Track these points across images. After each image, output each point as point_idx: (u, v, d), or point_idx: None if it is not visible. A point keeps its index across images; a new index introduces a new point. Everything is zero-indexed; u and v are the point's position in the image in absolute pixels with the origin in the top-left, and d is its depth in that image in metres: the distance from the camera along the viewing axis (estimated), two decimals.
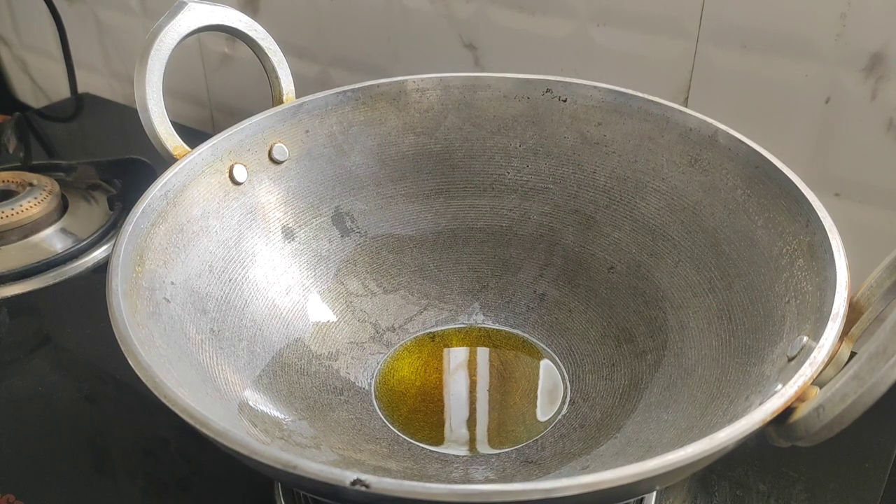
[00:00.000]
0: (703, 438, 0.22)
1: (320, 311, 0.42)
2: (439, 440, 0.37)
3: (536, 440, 0.37)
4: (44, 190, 0.58)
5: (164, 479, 0.39)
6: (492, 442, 0.37)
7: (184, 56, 0.73)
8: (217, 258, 0.38)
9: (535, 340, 0.42)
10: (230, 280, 0.38)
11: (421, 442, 0.37)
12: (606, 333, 0.41)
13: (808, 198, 0.32)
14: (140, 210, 0.34)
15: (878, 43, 0.42)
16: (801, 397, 0.24)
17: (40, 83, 0.96)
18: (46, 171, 0.63)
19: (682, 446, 0.22)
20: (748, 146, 0.36)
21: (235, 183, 0.40)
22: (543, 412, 0.38)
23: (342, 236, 0.44)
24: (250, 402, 0.34)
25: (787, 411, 0.24)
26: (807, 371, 0.25)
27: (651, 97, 0.41)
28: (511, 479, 0.35)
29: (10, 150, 0.70)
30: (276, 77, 0.43)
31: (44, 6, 0.81)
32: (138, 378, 0.26)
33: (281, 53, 0.43)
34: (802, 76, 0.45)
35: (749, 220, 0.36)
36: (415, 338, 0.43)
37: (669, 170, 0.40)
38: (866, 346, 0.22)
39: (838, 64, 0.43)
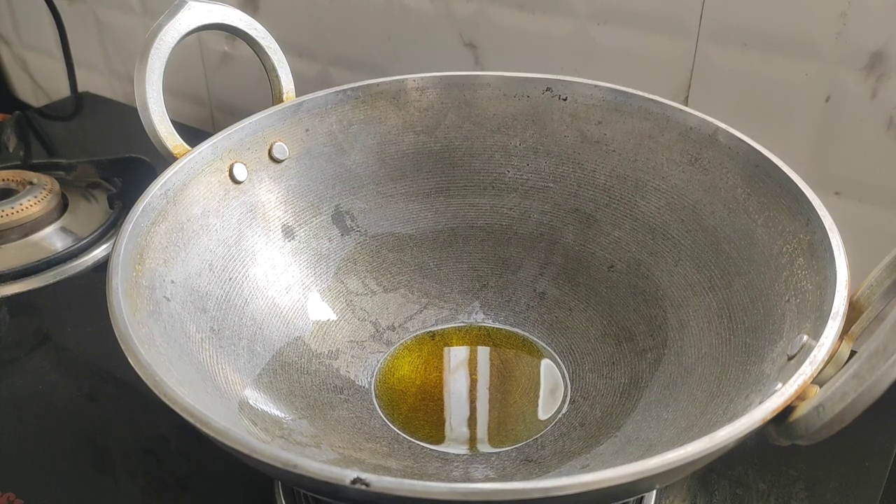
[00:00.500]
0: (703, 437, 0.22)
1: (320, 309, 0.42)
2: (439, 439, 0.37)
3: (536, 439, 0.37)
4: (44, 189, 0.58)
5: (165, 478, 0.39)
6: (492, 441, 0.37)
7: (184, 55, 0.73)
8: (217, 257, 0.38)
9: (535, 339, 0.42)
10: (230, 279, 0.38)
11: (421, 441, 0.37)
12: (606, 332, 0.41)
13: (809, 196, 0.32)
14: (140, 209, 0.34)
15: (879, 42, 0.42)
16: (801, 396, 0.24)
17: (40, 82, 0.96)
18: (46, 169, 0.63)
19: (682, 445, 0.22)
20: (748, 145, 0.36)
21: (235, 182, 0.40)
22: (543, 411, 0.38)
23: (342, 235, 0.44)
24: (250, 401, 0.34)
25: (787, 410, 0.24)
26: (807, 370, 0.25)
27: (651, 96, 0.41)
28: (511, 478, 0.35)
29: (11, 149, 0.70)
30: (276, 76, 0.43)
31: (44, 5, 0.81)
32: (138, 377, 0.26)
33: (281, 52, 0.43)
34: (802, 75, 0.45)
35: (749, 219, 0.36)
36: (415, 336, 0.43)
37: (669, 168, 0.40)
38: (866, 345, 0.22)
39: (838, 63, 0.43)
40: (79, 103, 0.84)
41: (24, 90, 0.99)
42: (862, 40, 0.42)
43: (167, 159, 0.38)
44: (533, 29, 0.54)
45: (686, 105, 0.41)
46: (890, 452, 0.39)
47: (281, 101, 0.43)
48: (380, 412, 0.38)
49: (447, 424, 0.38)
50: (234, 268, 0.39)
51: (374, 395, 0.39)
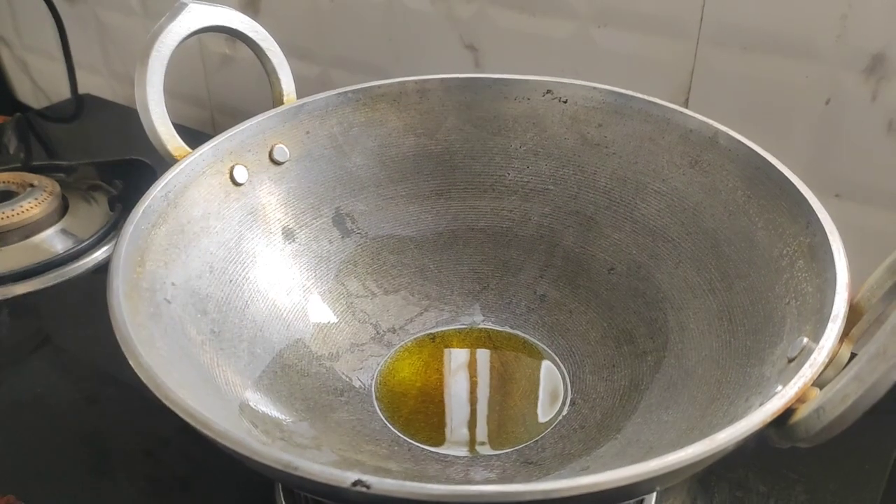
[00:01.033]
0: (703, 439, 0.22)
1: (321, 312, 0.42)
2: (440, 441, 0.37)
3: (537, 441, 0.37)
4: (44, 191, 0.58)
5: (165, 480, 0.39)
6: (492, 443, 0.37)
7: (184, 57, 0.73)
8: (218, 259, 0.38)
9: (535, 341, 0.42)
10: (231, 281, 0.38)
11: (421, 443, 0.37)
12: (607, 334, 0.41)
13: (809, 199, 0.32)
14: (141, 211, 0.34)
15: (879, 44, 0.42)
16: (801, 398, 0.24)
17: (41, 84, 0.96)
18: (47, 171, 0.63)
19: (682, 447, 0.22)
20: (748, 147, 0.36)
21: (236, 184, 0.40)
22: (544, 413, 0.38)
23: (343, 237, 0.44)
24: (251, 403, 0.34)
25: (788, 412, 0.24)
26: (807, 372, 0.25)
27: (651, 98, 0.41)
28: (511, 480, 0.35)
29: (11, 151, 0.70)
30: (277, 78, 0.43)
31: (44, 7, 0.82)
32: (139, 379, 0.26)
33: (282, 54, 0.43)
34: (803, 77, 0.45)
35: (749, 222, 0.36)
36: (415, 339, 0.43)
37: (670, 171, 0.40)
38: (866, 348, 0.22)
39: (839, 65, 0.43)
40: (79, 105, 0.85)
41: (25, 92, 0.99)
42: (862, 43, 0.42)
43: (168, 161, 0.38)
44: (533, 31, 0.54)
45: (686, 107, 0.41)
46: (890, 455, 0.39)
47: (281, 103, 0.43)
48: (380, 414, 0.38)
49: (447, 426, 0.38)
50: (234, 270, 0.39)
51: (374, 397, 0.39)
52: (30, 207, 0.56)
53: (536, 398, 0.39)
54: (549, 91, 0.43)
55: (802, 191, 0.33)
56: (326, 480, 0.21)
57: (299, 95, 0.43)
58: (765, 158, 0.35)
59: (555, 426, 0.37)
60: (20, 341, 0.48)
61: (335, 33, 0.64)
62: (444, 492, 0.21)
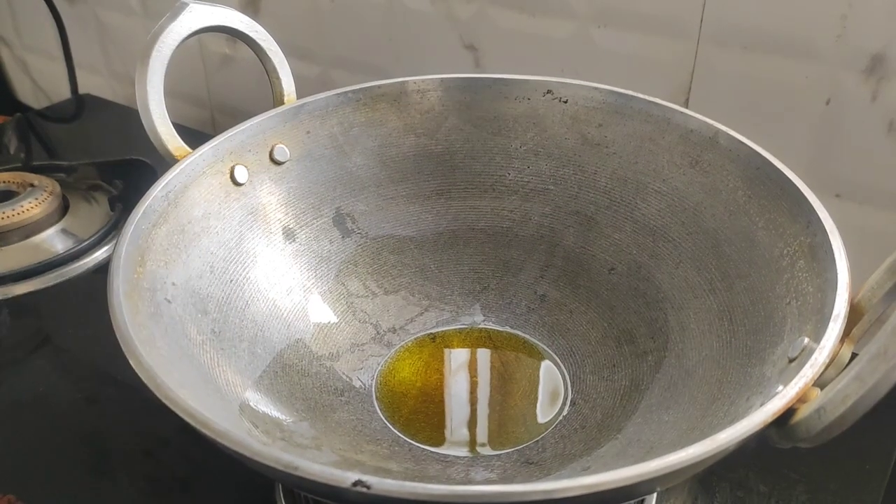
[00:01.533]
0: (703, 440, 0.22)
1: (321, 312, 0.42)
2: (440, 441, 0.37)
3: (537, 441, 0.37)
4: (45, 191, 0.58)
5: (165, 480, 0.39)
6: (492, 443, 0.37)
7: (185, 57, 0.73)
8: (218, 259, 0.38)
9: (535, 341, 0.42)
10: (231, 281, 0.38)
11: (422, 443, 0.37)
12: (607, 334, 0.41)
13: (809, 199, 0.32)
14: (141, 211, 0.34)
15: (879, 44, 0.42)
16: (802, 398, 0.24)
17: (41, 84, 0.96)
18: (47, 171, 0.63)
19: (683, 447, 0.22)
20: (749, 147, 0.36)
21: (236, 184, 0.40)
22: (544, 413, 0.38)
23: (343, 237, 0.44)
24: (251, 403, 0.34)
25: (788, 412, 0.24)
26: (808, 372, 0.25)
27: (652, 98, 0.41)
28: (512, 480, 0.35)
29: (11, 151, 0.70)
30: (277, 78, 0.43)
31: (44, 7, 0.82)
32: (139, 379, 0.26)
33: (282, 54, 0.43)
34: (803, 77, 0.45)
35: (750, 222, 0.36)
36: (415, 339, 0.43)
37: (670, 171, 0.40)
38: (867, 348, 0.22)
39: (839, 65, 0.43)
40: (79, 105, 0.85)
41: (25, 92, 0.99)
42: (862, 43, 0.42)
43: (168, 161, 0.38)
44: (533, 31, 0.54)
45: (687, 107, 0.41)
46: (891, 455, 0.39)
47: (282, 103, 0.43)
48: (380, 414, 0.38)
49: (448, 427, 0.38)
50: (234, 270, 0.39)
51: (374, 397, 0.39)
52: (30, 207, 0.56)
53: (537, 398, 0.39)
54: (549, 91, 0.43)
55: (803, 191, 0.33)
56: (327, 480, 0.21)
57: (299, 95, 0.43)
58: (765, 158, 0.35)
59: (555, 426, 0.37)
60: (20, 341, 0.48)
61: (335, 33, 0.64)
62: (444, 492, 0.21)
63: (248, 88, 0.73)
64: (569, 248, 0.43)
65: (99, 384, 0.44)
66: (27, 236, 0.55)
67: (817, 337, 0.27)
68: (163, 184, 0.36)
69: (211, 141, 0.39)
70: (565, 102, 0.43)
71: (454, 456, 0.36)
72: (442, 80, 0.44)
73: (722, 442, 0.22)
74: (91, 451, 0.40)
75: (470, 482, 0.35)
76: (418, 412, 0.39)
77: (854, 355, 0.25)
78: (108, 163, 0.64)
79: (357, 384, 0.40)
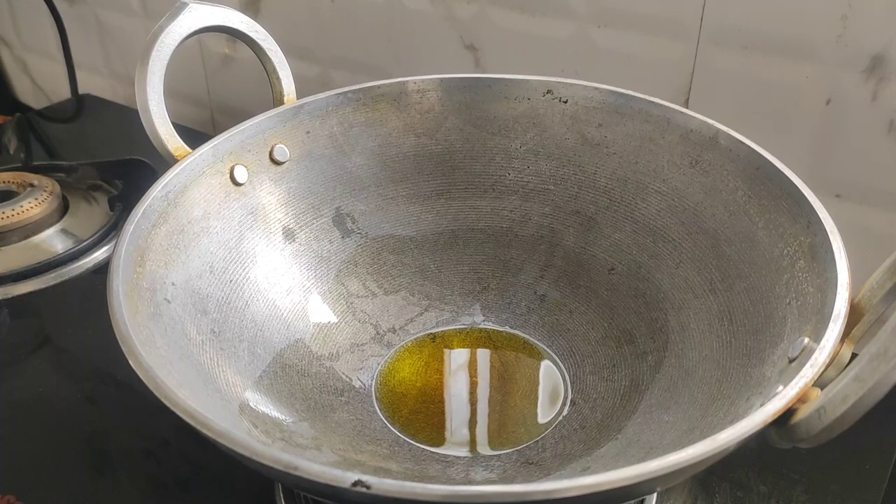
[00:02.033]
0: (703, 440, 0.22)
1: (321, 312, 0.42)
2: (440, 441, 0.37)
3: (537, 441, 0.37)
4: (44, 191, 0.58)
5: (165, 480, 0.39)
6: (492, 443, 0.37)
7: (185, 57, 0.73)
8: (218, 259, 0.38)
9: (535, 341, 0.42)
10: (231, 281, 0.38)
11: (421, 443, 0.37)
12: (607, 335, 0.41)
13: (809, 199, 0.32)
14: (141, 211, 0.34)
15: (879, 44, 0.42)
16: (802, 399, 0.24)
17: (41, 84, 0.96)
18: (47, 171, 0.63)
19: (683, 448, 0.22)
20: (749, 147, 0.36)
21: (236, 184, 0.40)
22: (544, 413, 0.38)
23: (343, 237, 0.44)
24: (251, 403, 0.34)
25: (788, 413, 0.24)
26: (808, 372, 0.25)
27: (652, 98, 0.41)
28: (512, 481, 0.35)
29: (11, 151, 0.70)
30: (277, 78, 0.43)
31: (44, 7, 0.82)
32: (139, 379, 0.26)
33: (282, 54, 0.43)
34: (803, 77, 0.45)
35: (750, 222, 0.36)
36: (415, 339, 0.43)
37: (670, 171, 0.40)
38: (867, 348, 0.22)
39: (839, 65, 0.43)
40: (79, 105, 0.85)
41: (25, 92, 0.99)
42: (862, 43, 0.42)
43: (168, 161, 0.38)
44: (533, 31, 0.54)
45: (687, 107, 0.41)
46: (891, 455, 0.39)
47: (282, 103, 0.43)
48: (380, 414, 0.38)
49: (448, 427, 0.38)
50: (234, 270, 0.39)
51: (374, 397, 0.39)
52: (30, 207, 0.56)
53: (537, 398, 0.39)
54: (549, 91, 0.43)
55: (803, 191, 0.33)
56: (327, 480, 0.21)
57: (299, 95, 0.43)
58: (765, 158, 0.35)
59: (555, 426, 0.37)
60: (20, 341, 0.48)
61: (335, 33, 0.64)
62: (444, 492, 0.21)
63: (248, 88, 0.73)
64: (569, 248, 0.43)
65: (99, 384, 0.44)
66: (27, 236, 0.55)
67: (817, 337, 0.27)
68: (163, 184, 0.36)
69: (211, 141, 0.39)
70: (565, 102, 0.43)
71: (454, 456, 0.36)
72: (442, 80, 0.44)
73: (722, 442, 0.22)
74: (91, 451, 0.40)
75: (470, 482, 0.35)
76: (418, 412, 0.39)
77: (854, 355, 0.25)
78: (108, 163, 0.64)
79: (357, 384, 0.40)
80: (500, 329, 0.43)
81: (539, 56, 0.54)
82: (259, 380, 0.36)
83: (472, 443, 0.37)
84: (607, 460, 0.34)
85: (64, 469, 0.39)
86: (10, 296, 0.51)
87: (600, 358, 0.40)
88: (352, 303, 0.43)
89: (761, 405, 0.24)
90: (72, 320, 0.50)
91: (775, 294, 0.33)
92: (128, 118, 0.79)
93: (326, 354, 0.41)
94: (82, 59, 0.87)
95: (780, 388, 0.25)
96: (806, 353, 0.27)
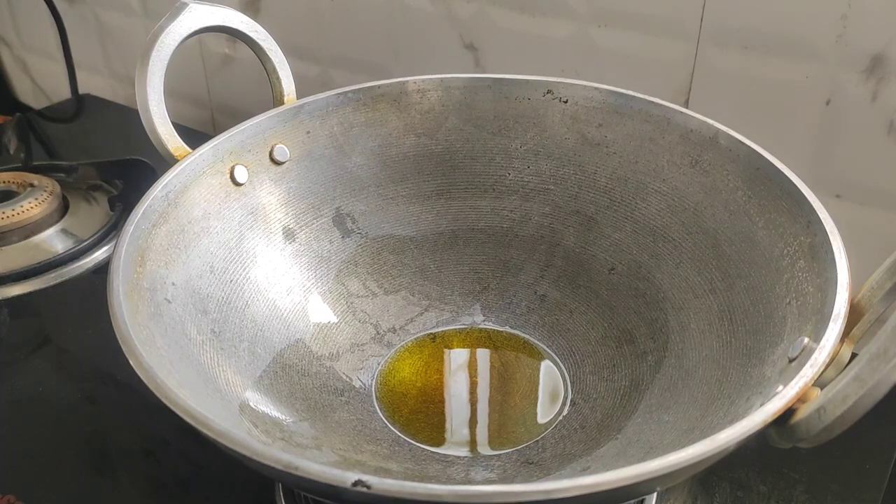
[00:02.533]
0: (703, 440, 0.22)
1: (321, 312, 0.42)
2: (440, 441, 0.37)
3: (537, 441, 0.37)
4: (44, 191, 0.58)
5: (165, 480, 0.39)
6: (492, 443, 0.37)
7: (185, 57, 0.73)
8: (218, 259, 0.38)
9: (535, 341, 0.42)
10: (231, 281, 0.38)
11: (422, 443, 0.37)
12: (607, 334, 0.41)
13: (809, 199, 0.32)
14: (141, 211, 0.34)
15: (879, 44, 0.42)
16: (802, 398, 0.24)
17: (41, 84, 0.96)
18: (47, 171, 0.63)
19: (682, 447, 0.22)
20: (749, 147, 0.36)
21: (236, 184, 0.40)
22: (544, 413, 0.38)
23: (343, 237, 0.44)
24: (251, 403, 0.34)
25: (788, 412, 0.24)
26: (808, 372, 0.25)
27: (652, 98, 0.41)
28: (512, 480, 0.35)
29: (11, 151, 0.70)
30: (277, 78, 0.43)
31: (44, 7, 0.82)
32: (139, 379, 0.26)
33: (282, 54, 0.43)
34: (803, 77, 0.45)
35: (750, 222, 0.36)
36: (415, 339, 0.43)
37: (670, 171, 0.40)
38: (867, 348, 0.22)
39: (839, 65, 0.43)
40: (79, 105, 0.85)
41: (25, 92, 0.99)
42: (862, 43, 0.42)
43: (168, 161, 0.38)
44: (533, 31, 0.54)
45: (687, 107, 0.41)
46: (891, 455, 0.39)
47: (282, 103, 0.43)
48: (380, 414, 0.38)
49: (448, 427, 0.38)
50: (234, 270, 0.39)
51: (374, 397, 0.39)
52: (30, 207, 0.56)
53: (537, 398, 0.39)
54: (549, 91, 0.43)
55: (803, 191, 0.33)
56: (327, 480, 0.21)
57: (299, 95, 0.43)
58: (765, 158, 0.35)
59: (555, 426, 0.37)
60: (20, 341, 0.48)
61: (335, 33, 0.64)
62: (444, 492, 0.21)
63: (248, 88, 0.73)
64: (569, 248, 0.43)
65: (99, 384, 0.44)
66: (27, 236, 0.55)
67: (817, 337, 0.27)
68: (163, 184, 0.36)
69: (211, 141, 0.39)
70: (565, 102, 0.43)
71: (454, 456, 0.36)
72: (442, 80, 0.44)
73: (722, 442, 0.22)
74: (91, 451, 0.40)
75: (470, 482, 0.35)
76: (418, 412, 0.39)
77: (854, 355, 0.25)
78: (108, 163, 0.64)
79: (357, 384, 0.40)
80: (500, 329, 0.43)
81: (539, 56, 0.54)
82: (259, 380, 0.36)
83: (472, 443, 0.37)
84: (607, 460, 0.34)
85: (64, 469, 0.39)
86: (10, 296, 0.51)
87: (600, 358, 0.40)
88: (352, 303, 0.43)
89: (761, 405, 0.24)
90: (72, 320, 0.50)
91: (775, 294, 0.33)
92: (128, 118, 0.79)
93: (326, 354, 0.41)
94: (82, 59, 0.87)
95: (780, 387, 0.25)
96: (806, 353, 0.27)
